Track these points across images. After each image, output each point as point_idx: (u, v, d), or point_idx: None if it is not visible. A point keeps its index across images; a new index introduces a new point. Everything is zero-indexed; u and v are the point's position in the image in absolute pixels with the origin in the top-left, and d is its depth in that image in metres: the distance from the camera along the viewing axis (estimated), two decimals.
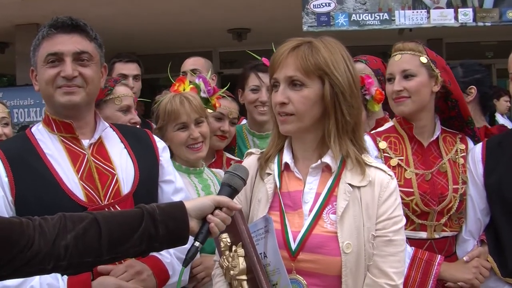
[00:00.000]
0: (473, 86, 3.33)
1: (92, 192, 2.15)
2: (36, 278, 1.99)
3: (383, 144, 2.64)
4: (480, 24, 6.94)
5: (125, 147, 2.33)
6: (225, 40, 10.62)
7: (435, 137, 2.68)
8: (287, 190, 2.00)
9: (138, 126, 3.09)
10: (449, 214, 2.59)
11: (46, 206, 1.90)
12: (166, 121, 2.74)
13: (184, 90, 2.87)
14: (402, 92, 2.60)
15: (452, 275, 2.58)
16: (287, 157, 2.02)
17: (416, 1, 6.91)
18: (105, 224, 1.63)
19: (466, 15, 6.87)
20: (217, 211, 1.76)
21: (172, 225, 1.70)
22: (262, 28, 9.63)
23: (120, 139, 2.35)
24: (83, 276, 2.05)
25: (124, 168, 2.26)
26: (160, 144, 2.44)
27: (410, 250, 2.53)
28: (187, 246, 1.76)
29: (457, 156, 2.67)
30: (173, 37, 10.44)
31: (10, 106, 7.65)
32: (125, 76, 4.05)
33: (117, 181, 2.21)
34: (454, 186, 2.61)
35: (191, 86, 2.94)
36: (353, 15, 6.97)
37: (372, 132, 2.77)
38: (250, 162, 2.10)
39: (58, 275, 2.03)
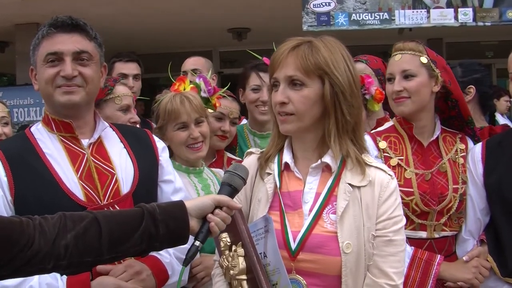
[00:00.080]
0: (472, 86, 3.33)
1: (92, 192, 2.15)
2: (35, 278, 1.99)
3: (383, 144, 2.64)
4: (480, 24, 6.94)
5: (125, 147, 2.33)
6: (225, 39, 10.63)
7: (435, 137, 2.68)
8: (287, 190, 1.99)
9: (137, 126, 3.09)
10: (449, 214, 2.59)
11: (45, 205, 1.90)
12: (166, 121, 2.73)
13: (184, 89, 2.87)
14: (402, 92, 2.60)
15: (452, 275, 2.58)
16: (287, 157, 2.02)
17: (416, 0, 6.91)
18: (106, 224, 1.63)
19: (466, 15, 6.87)
20: (217, 211, 1.76)
21: (173, 224, 1.70)
22: (262, 28, 9.63)
23: (120, 138, 2.35)
24: (82, 276, 2.05)
25: (123, 168, 2.26)
26: (159, 144, 2.44)
27: (409, 249, 2.53)
28: (187, 246, 1.76)
29: (457, 156, 2.67)
30: (173, 37, 10.44)
31: (10, 105, 7.65)
32: (125, 76, 4.04)
33: (116, 181, 2.21)
34: (454, 186, 2.61)
35: (192, 85, 2.94)
36: (353, 14, 6.97)
37: (372, 131, 2.77)
38: (250, 161, 2.10)
39: (58, 275, 2.03)
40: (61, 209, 1.67)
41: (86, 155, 2.21)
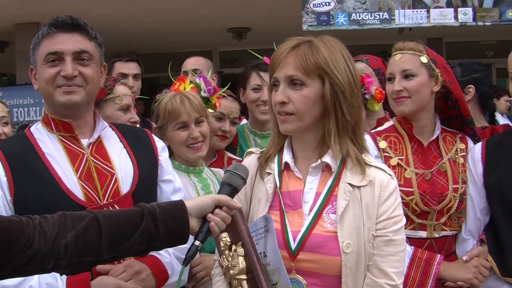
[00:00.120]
0: (471, 86, 3.33)
1: (91, 192, 2.14)
2: (35, 278, 1.99)
3: (383, 144, 2.64)
4: (480, 23, 6.95)
5: (124, 147, 2.33)
6: (225, 39, 10.63)
7: (435, 136, 2.67)
8: (287, 189, 1.99)
9: (138, 125, 3.09)
10: (448, 214, 2.59)
11: (45, 205, 1.90)
12: (166, 120, 2.73)
13: (184, 89, 2.87)
14: (402, 92, 2.60)
15: (452, 275, 2.58)
16: (287, 157, 2.02)
17: (416, 0, 6.91)
18: (106, 223, 1.63)
19: (466, 15, 6.87)
20: (217, 210, 1.76)
21: (172, 224, 1.70)
22: (262, 28, 9.63)
23: (119, 138, 2.35)
24: (82, 275, 2.05)
25: (123, 167, 2.26)
26: (159, 143, 2.44)
27: (409, 249, 2.53)
28: (187, 245, 1.76)
29: (457, 156, 2.67)
30: (173, 36, 10.44)
31: (10, 105, 7.65)
32: (125, 75, 4.04)
33: (116, 180, 2.21)
34: (454, 186, 2.61)
35: (192, 85, 2.94)
36: (353, 14, 6.98)
37: (372, 131, 2.77)
38: (250, 161, 2.10)
39: (57, 274, 2.03)
40: (60, 208, 1.67)
41: (85, 155, 2.21)
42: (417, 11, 6.92)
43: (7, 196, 2.07)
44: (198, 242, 1.73)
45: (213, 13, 8.95)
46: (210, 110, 2.99)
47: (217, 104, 3.02)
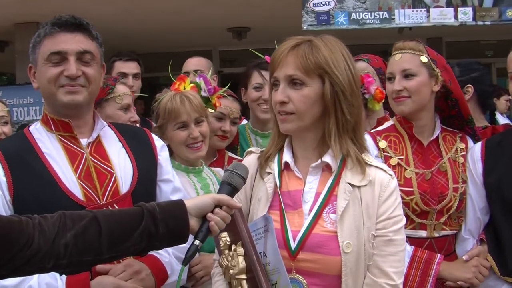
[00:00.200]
0: (470, 85, 3.33)
1: (91, 191, 2.14)
2: (35, 278, 1.99)
3: (383, 143, 2.64)
4: (480, 23, 6.95)
5: (123, 146, 2.32)
6: (225, 39, 10.63)
7: (435, 136, 2.67)
8: (287, 189, 1.99)
9: (138, 125, 3.09)
10: (449, 213, 2.59)
11: (44, 205, 1.89)
12: (166, 120, 2.73)
13: (184, 89, 2.86)
14: (402, 91, 2.60)
15: (452, 274, 2.58)
16: (287, 156, 2.02)
17: (416, 0, 6.91)
18: (105, 223, 1.63)
19: (465, 14, 6.87)
20: (217, 210, 1.76)
21: (172, 223, 1.70)
22: (262, 27, 9.63)
23: (118, 138, 2.35)
24: (82, 275, 2.05)
25: (122, 167, 2.26)
26: (158, 143, 2.44)
27: (409, 249, 2.53)
28: (186, 245, 1.76)
29: (457, 155, 2.67)
30: (173, 36, 10.45)
31: (10, 104, 7.65)
32: (125, 75, 4.05)
33: (115, 180, 2.21)
34: (454, 185, 2.61)
35: (192, 85, 2.94)
36: (353, 14, 6.98)
37: (372, 131, 2.77)
38: (250, 161, 2.10)
39: (57, 274, 2.03)
40: (60, 208, 1.66)
41: (85, 155, 2.20)
42: (417, 11, 6.92)
43: (7, 196, 2.06)
44: (198, 241, 1.73)
45: (213, 13, 8.96)
46: (210, 110, 2.99)
47: (217, 104, 3.02)
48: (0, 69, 13.71)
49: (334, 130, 1.93)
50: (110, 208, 2.10)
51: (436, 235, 2.60)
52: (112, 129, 2.37)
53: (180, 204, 1.74)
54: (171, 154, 2.78)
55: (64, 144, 2.20)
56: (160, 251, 2.24)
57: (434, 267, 2.53)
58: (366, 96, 3.18)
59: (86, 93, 2.19)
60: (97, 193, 2.15)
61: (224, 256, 1.90)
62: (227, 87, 3.20)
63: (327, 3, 6.95)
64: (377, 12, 6.96)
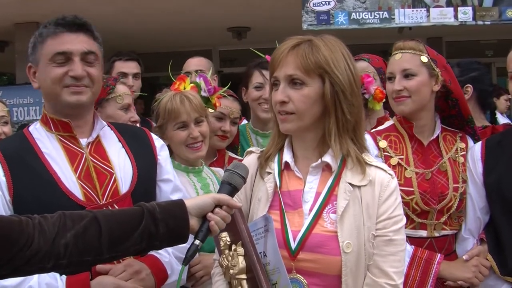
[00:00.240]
0: (469, 85, 3.33)
1: (90, 191, 2.14)
2: (35, 278, 1.99)
3: (383, 143, 2.64)
4: (480, 22, 6.95)
5: (123, 146, 2.32)
6: (225, 38, 10.63)
7: (435, 136, 2.67)
8: (287, 189, 1.99)
9: (138, 125, 3.09)
10: (449, 213, 2.59)
11: (44, 205, 1.89)
12: (166, 120, 2.73)
13: (184, 88, 2.86)
14: (403, 91, 2.60)
15: (452, 274, 2.58)
16: (287, 156, 2.02)
17: None
18: (105, 223, 1.63)
19: (465, 14, 6.87)
20: (217, 209, 1.76)
21: (172, 223, 1.70)
22: (262, 27, 9.64)
23: (118, 138, 2.34)
24: (82, 275, 2.05)
25: (122, 167, 2.25)
26: (158, 142, 2.44)
27: (409, 248, 2.53)
28: (186, 245, 1.76)
29: (457, 155, 2.67)
30: (173, 36, 10.44)
31: (10, 104, 7.65)
32: (125, 75, 4.05)
33: (115, 180, 2.21)
34: (454, 185, 2.60)
35: (192, 85, 2.94)
36: (353, 13, 6.97)
37: (372, 130, 2.77)
38: (250, 160, 2.09)
39: (57, 274, 2.03)
40: (60, 208, 1.66)
41: (84, 155, 2.20)
42: (417, 10, 6.92)
43: (6, 196, 2.06)
44: (198, 241, 1.73)
45: (213, 13, 8.95)
46: (211, 110, 2.99)
47: (217, 104, 3.02)
48: (0, 69, 13.71)
49: (334, 130, 1.93)
50: (110, 208, 2.10)
51: (436, 234, 2.60)
52: (111, 129, 2.36)
53: (180, 204, 1.74)
54: (171, 154, 2.78)
55: (64, 144, 2.20)
56: (160, 251, 2.24)
57: (434, 267, 2.53)
58: (366, 96, 3.18)
59: (90, 93, 2.19)
60: (97, 193, 2.15)
61: (224, 256, 1.90)
62: (227, 87, 3.20)
63: (327, 3, 6.94)
64: (377, 12, 6.96)
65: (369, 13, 6.96)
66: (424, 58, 2.59)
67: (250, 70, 3.48)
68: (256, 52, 3.48)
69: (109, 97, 3.01)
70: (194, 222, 1.73)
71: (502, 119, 7.21)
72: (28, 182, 2.08)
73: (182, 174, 2.71)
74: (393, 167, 2.54)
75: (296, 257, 1.89)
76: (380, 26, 7.01)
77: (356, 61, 3.27)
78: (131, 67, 4.16)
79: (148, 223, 1.67)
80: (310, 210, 1.93)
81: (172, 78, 2.99)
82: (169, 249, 2.26)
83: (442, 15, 6.88)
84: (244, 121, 3.81)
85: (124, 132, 2.39)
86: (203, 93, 2.98)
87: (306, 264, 1.88)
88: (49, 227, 1.56)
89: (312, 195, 1.95)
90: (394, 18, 6.95)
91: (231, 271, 1.85)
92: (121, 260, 2.12)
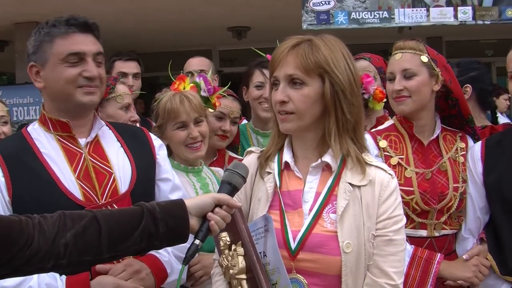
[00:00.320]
0: (468, 85, 3.33)
1: (90, 191, 2.14)
2: (35, 278, 1.99)
3: (383, 143, 2.64)
4: (480, 22, 6.94)
5: (122, 146, 2.32)
6: (225, 38, 10.63)
7: (435, 135, 2.67)
8: (287, 189, 1.99)
9: (138, 124, 3.10)
10: (449, 213, 2.59)
11: (43, 205, 1.88)
12: (166, 120, 2.73)
13: (184, 88, 2.86)
14: (403, 91, 2.59)
15: (452, 273, 2.58)
16: (287, 156, 2.02)
17: None
18: (105, 222, 1.63)
19: (465, 14, 6.87)
20: (217, 209, 1.76)
21: (172, 223, 1.70)
22: (262, 27, 9.64)
23: (117, 137, 2.34)
24: (82, 275, 2.05)
25: (121, 166, 2.25)
26: (156, 142, 2.44)
27: (409, 248, 2.53)
28: (186, 244, 1.76)
29: (457, 155, 2.67)
30: (173, 36, 10.45)
31: (10, 104, 7.66)
32: (125, 74, 4.05)
33: (114, 180, 2.21)
34: (454, 185, 2.60)
35: (191, 84, 2.94)
36: (353, 13, 6.97)
37: (372, 130, 2.77)
38: (250, 160, 2.09)
39: (57, 275, 2.03)
40: (59, 208, 1.66)
41: (83, 155, 2.20)
42: (416, 10, 6.92)
43: (5, 197, 2.06)
44: (198, 241, 1.73)
45: (213, 12, 8.95)
46: (211, 110, 2.99)
47: (217, 104, 3.02)
48: (0, 69, 13.71)
49: (334, 129, 1.93)
50: (110, 208, 2.10)
51: (436, 234, 2.60)
52: (110, 129, 2.36)
53: (180, 203, 1.74)
54: (171, 154, 2.78)
55: (63, 144, 2.19)
56: (159, 250, 2.23)
57: (434, 267, 2.53)
58: (365, 96, 3.18)
59: (99, 94, 2.22)
60: (96, 193, 2.15)
61: (224, 256, 1.90)
62: (227, 87, 3.19)
63: (327, 2, 6.94)
64: (377, 12, 6.96)
65: (369, 12, 6.96)
66: (424, 58, 2.59)
67: (251, 69, 3.48)
68: (257, 51, 3.48)
69: (109, 97, 3.01)
70: (194, 222, 1.73)
71: (502, 119, 7.20)
72: (27, 182, 2.08)
73: (181, 174, 2.71)
74: (393, 167, 2.54)
75: (296, 257, 1.88)
76: (380, 25, 7.00)
77: (357, 60, 3.29)
78: (131, 67, 4.17)
79: (148, 222, 1.67)
80: (310, 210, 1.93)
81: (172, 78, 2.99)
82: (169, 248, 2.26)
83: (442, 15, 6.88)
84: (244, 121, 3.81)
85: (122, 131, 2.39)
86: (202, 93, 2.98)
87: (306, 264, 1.88)
88: (49, 227, 1.56)
89: (312, 195, 1.95)
90: (394, 18, 6.95)
91: (231, 271, 1.85)
92: (120, 260, 2.12)
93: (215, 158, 3.14)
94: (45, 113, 2.23)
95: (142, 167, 2.30)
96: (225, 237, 1.89)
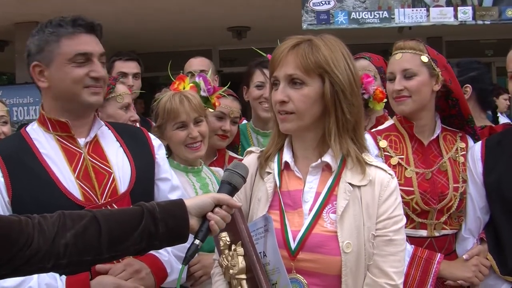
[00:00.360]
0: (468, 85, 3.33)
1: (89, 191, 2.14)
2: (34, 278, 1.99)
3: (383, 143, 2.64)
4: (480, 22, 6.95)
5: (121, 146, 2.32)
6: (225, 38, 10.63)
7: (435, 135, 2.67)
8: (287, 189, 1.99)
9: (137, 124, 3.10)
10: (449, 213, 2.59)
11: (43, 206, 1.87)
12: (165, 120, 2.73)
13: (184, 88, 2.86)
14: (403, 91, 2.59)
15: (452, 273, 2.58)
16: (287, 156, 2.02)
17: None
18: (105, 222, 1.63)
19: (465, 14, 6.87)
20: (217, 209, 1.76)
21: (172, 223, 1.70)
22: (262, 26, 9.63)
23: (116, 137, 2.34)
24: (82, 275, 2.05)
25: (120, 166, 2.25)
26: (155, 141, 2.44)
27: (410, 248, 2.53)
28: (186, 244, 1.76)
29: (457, 155, 2.67)
30: (173, 36, 10.44)
31: (10, 104, 7.66)
32: (125, 74, 4.06)
33: (113, 179, 2.21)
34: (455, 185, 2.60)
35: (191, 84, 2.94)
36: (353, 13, 6.97)
37: (372, 130, 2.77)
38: (250, 160, 2.09)
39: (57, 275, 2.03)
40: (58, 209, 1.66)
41: (83, 154, 2.20)
42: (416, 10, 6.92)
43: (5, 198, 2.06)
44: (198, 241, 1.73)
45: (213, 12, 8.95)
46: (210, 110, 2.99)
47: (217, 104, 3.02)
48: (0, 69, 13.70)
49: (334, 129, 1.93)
50: (109, 208, 2.10)
51: (437, 234, 2.60)
52: (109, 129, 2.36)
53: (180, 203, 1.74)
54: (170, 153, 2.79)
55: (62, 144, 2.19)
56: (159, 250, 2.23)
57: (434, 266, 2.53)
58: (365, 96, 3.17)
59: (103, 94, 2.23)
60: (96, 193, 2.15)
61: (224, 256, 1.90)
62: (226, 86, 3.19)
63: (327, 2, 6.94)
64: (377, 12, 6.96)
65: (369, 12, 6.96)
66: (425, 58, 2.59)
67: (251, 69, 3.48)
68: (258, 51, 3.48)
69: (109, 96, 3.01)
70: (194, 222, 1.73)
71: (502, 119, 7.20)
72: (26, 182, 2.08)
73: (181, 174, 2.70)
74: (393, 167, 2.54)
75: (296, 257, 1.88)
76: (380, 25, 7.00)
77: (357, 59, 3.29)
78: (131, 67, 4.17)
79: (148, 222, 1.67)
80: (310, 210, 1.93)
81: (172, 78, 2.99)
82: (168, 248, 2.25)
83: (442, 15, 6.88)
84: (244, 121, 3.81)
85: (121, 131, 2.39)
86: (202, 93, 2.98)
87: (306, 264, 1.88)
88: (49, 227, 1.56)
89: (312, 195, 1.95)
90: (394, 18, 6.95)
91: (231, 271, 1.85)
92: (120, 260, 2.12)
93: (215, 158, 3.14)
94: (44, 113, 2.23)
95: (142, 167, 2.30)
96: (225, 237, 1.89)
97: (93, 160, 2.20)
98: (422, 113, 2.62)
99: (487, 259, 2.61)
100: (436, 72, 2.59)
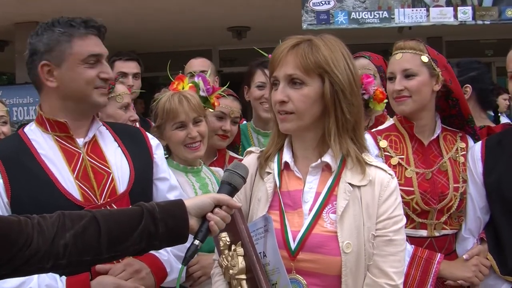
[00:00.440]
0: (468, 85, 3.33)
1: (88, 191, 2.14)
2: (35, 279, 1.99)
3: (383, 143, 2.64)
4: (480, 22, 6.95)
5: (119, 146, 2.32)
6: (225, 38, 10.63)
7: (435, 135, 2.67)
8: (287, 189, 1.99)
9: (137, 124, 3.10)
10: (449, 213, 2.59)
11: (42, 206, 1.86)
12: (165, 120, 2.73)
13: (183, 88, 2.86)
14: (403, 91, 2.59)
15: (452, 273, 2.58)
16: (287, 156, 2.02)
17: None
18: (104, 223, 1.62)
19: (465, 14, 6.87)
20: (216, 209, 1.76)
21: (172, 223, 1.69)
22: (262, 26, 9.64)
23: (114, 137, 2.34)
24: (82, 276, 2.05)
25: (119, 166, 2.25)
26: (153, 141, 2.44)
27: (410, 248, 2.53)
28: (185, 244, 1.76)
29: (457, 155, 2.67)
30: (173, 36, 10.45)
31: (10, 104, 7.65)
32: (125, 74, 4.06)
33: (112, 179, 2.21)
34: (455, 185, 2.60)
35: (190, 84, 2.94)
36: (353, 13, 6.98)
37: (372, 130, 2.77)
38: (249, 160, 2.09)
39: (57, 275, 2.03)
40: (58, 209, 1.66)
41: (81, 155, 2.20)
42: (416, 10, 6.92)
43: (4, 198, 2.06)
44: (198, 241, 1.72)
45: (213, 12, 8.95)
46: (210, 110, 2.99)
47: (216, 104, 3.01)
48: (0, 69, 13.70)
49: (334, 129, 1.92)
50: (108, 208, 2.10)
51: (437, 234, 2.60)
52: (107, 129, 2.36)
53: (179, 203, 1.74)
54: (170, 154, 2.78)
55: (61, 145, 2.19)
56: (159, 250, 2.23)
57: (434, 266, 2.53)
58: (365, 96, 3.17)
59: (107, 94, 2.27)
60: (95, 193, 2.15)
61: (224, 256, 1.89)
62: (226, 86, 3.19)
63: (326, 2, 6.95)
64: (376, 12, 6.96)
65: (369, 12, 6.97)
66: (425, 58, 2.59)
67: (252, 69, 3.48)
68: (260, 51, 3.48)
69: (109, 96, 3.01)
70: (193, 222, 1.73)
71: (502, 119, 7.19)
72: (25, 183, 2.07)
73: (180, 174, 2.70)
74: (394, 167, 2.54)
75: (296, 257, 1.88)
76: (380, 25, 7.01)
77: (356, 58, 3.29)
78: (131, 67, 4.17)
79: (148, 223, 1.66)
80: (310, 210, 1.92)
81: (171, 78, 2.99)
82: (168, 247, 2.25)
83: (442, 15, 6.88)
84: (244, 122, 3.81)
85: (119, 131, 2.38)
86: (201, 93, 2.97)
87: (305, 265, 1.88)
88: (48, 227, 1.56)
89: (311, 195, 1.95)
90: (394, 18, 6.95)
91: (231, 271, 1.85)
92: (120, 260, 2.12)
93: (215, 158, 3.13)
94: (42, 113, 2.22)
95: (140, 167, 2.30)
96: (224, 237, 1.89)
97: (92, 160, 2.20)
98: (422, 113, 2.62)
99: (487, 259, 2.61)
100: (436, 72, 2.59)
